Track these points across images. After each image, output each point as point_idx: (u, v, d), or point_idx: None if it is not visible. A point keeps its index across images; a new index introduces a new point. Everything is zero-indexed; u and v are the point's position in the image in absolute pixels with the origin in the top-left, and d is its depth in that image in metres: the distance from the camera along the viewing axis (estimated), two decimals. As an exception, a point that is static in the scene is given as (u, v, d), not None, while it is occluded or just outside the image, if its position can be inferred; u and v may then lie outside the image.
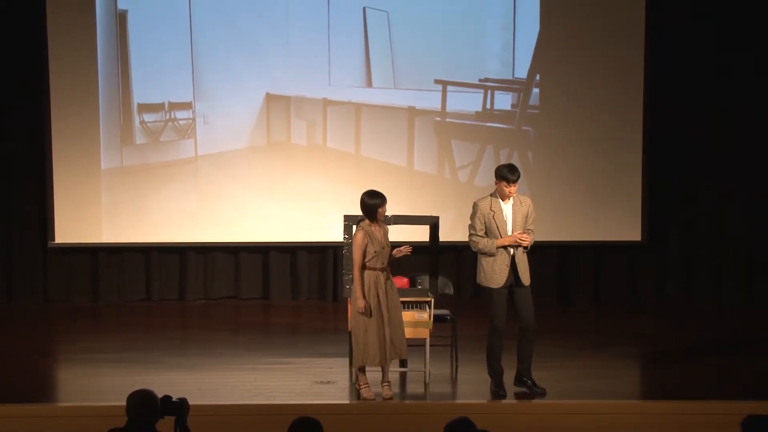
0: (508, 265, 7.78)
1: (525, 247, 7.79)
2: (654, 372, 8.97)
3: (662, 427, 7.27)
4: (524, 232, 7.77)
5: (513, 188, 7.77)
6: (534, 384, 7.89)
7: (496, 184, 7.85)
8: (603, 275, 11.70)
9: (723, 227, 11.62)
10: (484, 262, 7.84)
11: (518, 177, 7.78)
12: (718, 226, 11.62)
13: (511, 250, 7.78)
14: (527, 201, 7.94)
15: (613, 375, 8.67)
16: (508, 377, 7.96)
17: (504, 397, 7.82)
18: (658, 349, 9.64)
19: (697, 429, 7.19)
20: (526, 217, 7.84)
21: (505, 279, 7.80)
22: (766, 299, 11.51)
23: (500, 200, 7.81)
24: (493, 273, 7.80)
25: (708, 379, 8.45)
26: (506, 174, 7.77)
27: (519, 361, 7.95)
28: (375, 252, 7.69)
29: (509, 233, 7.77)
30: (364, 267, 7.71)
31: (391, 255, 7.79)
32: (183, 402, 5.25)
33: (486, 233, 7.81)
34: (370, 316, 7.67)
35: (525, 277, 7.81)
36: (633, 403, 7.93)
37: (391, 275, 7.85)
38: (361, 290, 7.68)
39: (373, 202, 7.73)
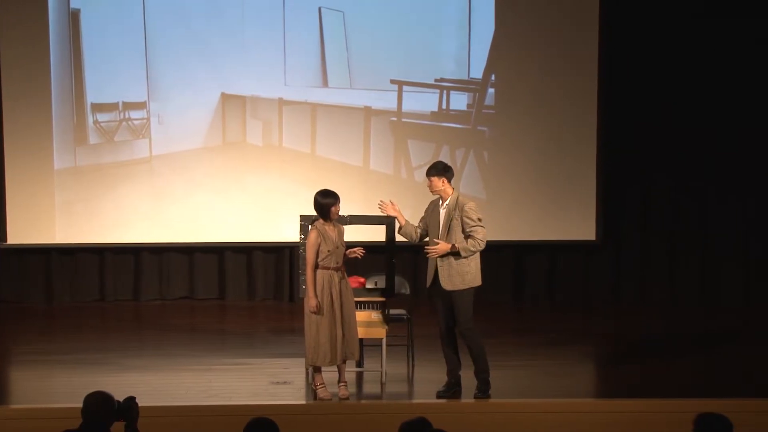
0: (433, 268, 7.76)
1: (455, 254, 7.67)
2: (608, 371, 9.02)
3: (615, 425, 7.31)
4: (435, 244, 7.67)
5: (428, 184, 7.74)
6: (476, 389, 7.78)
7: None
8: (558, 274, 11.77)
9: (677, 226, 11.72)
10: None
11: (433, 173, 7.69)
12: (671, 225, 11.73)
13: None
14: (464, 205, 7.70)
15: (568, 374, 8.72)
16: (468, 379, 7.97)
17: (441, 397, 7.80)
18: (612, 347, 9.71)
19: (651, 427, 7.24)
20: (450, 221, 7.66)
21: (430, 280, 7.81)
22: (720, 297, 11.63)
23: (440, 201, 7.80)
24: (426, 273, 7.88)
25: (661, 378, 8.52)
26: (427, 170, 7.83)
27: None
28: (328, 251, 7.69)
29: (438, 235, 7.70)
30: (317, 266, 7.71)
31: (345, 255, 7.80)
32: (132, 404, 5.19)
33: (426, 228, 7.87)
34: (322, 314, 7.66)
35: (445, 281, 7.70)
36: (587, 401, 7.97)
37: (346, 275, 7.85)
38: (313, 289, 7.67)
39: (325, 201, 7.73)
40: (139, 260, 11.52)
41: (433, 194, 7.80)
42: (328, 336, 7.68)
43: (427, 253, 7.73)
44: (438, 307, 7.85)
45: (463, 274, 7.69)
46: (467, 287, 7.71)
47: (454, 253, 7.65)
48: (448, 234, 7.68)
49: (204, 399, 7.84)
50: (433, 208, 7.86)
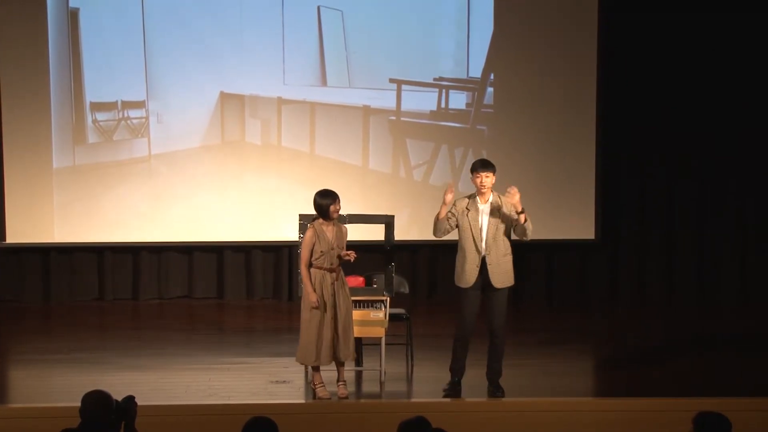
0: (478, 266, 7.71)
1: (521, 221, 7.64)
2: (606, 370, 9.03)
3: (614, 424, 7.31)
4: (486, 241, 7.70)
5: (482, 179, 7.67)
6: (494, 389, 7.86)
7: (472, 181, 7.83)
8: (556, 274, 11.76)
9: (675, 226, 11.72)
10: (457, 262, 7.82)
11: (489, 169, 7.69)
12: (670, 224, 11.72)
13: (483, 252, 7.72)
14: (510, 199, 7.73)
15: (566, 373, 8.72)
16: (469, 378, 7.97)
17: (449, 396, 7.81)
18: (611, 347, 9.72)
19: (650, 426, 7.24)
20: (500, 212, 7.68)
21: (474, 280, 7.74)
22: (717, 297, 11.63)
23: (478, 200, 7.78)
24: (463, 272, 7.77)
25: (660, 377, 8.52)
26: (476, 165, 7.77)
27: (487, 362, 7.96)
28: (321, 252, 7.67)
29: (482, 234, 7.69)
30: (311, 265, 7.71)
31: (338, 256, 7.78)
32: (131, 403, 5.19)
33: (458, 228, 7.79)
34: (321, 309, 7.65)
35: (496, 280, 7.72)
36: (586, 400, 7.97)
37: (342, 276, 7.82)
38: (310, 284, 7.67)
39: (324, 201, 7.73)
40: (138, 259, 11.51)
41: (482, 191, 7.70)
42: (315, 336, 7.66)
43: (512, 195, 7.58)
44: (469, 307, 7.80)
45: (508, 272, 7.80)
46: (510, 285, 7.81)
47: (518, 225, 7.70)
48: (496, 230, 7.70)
49: (203, 398, 7.84)
50: (468, 206, 7.76)
